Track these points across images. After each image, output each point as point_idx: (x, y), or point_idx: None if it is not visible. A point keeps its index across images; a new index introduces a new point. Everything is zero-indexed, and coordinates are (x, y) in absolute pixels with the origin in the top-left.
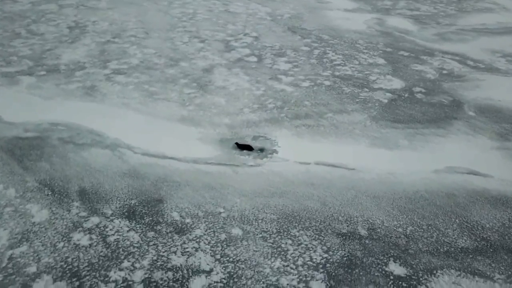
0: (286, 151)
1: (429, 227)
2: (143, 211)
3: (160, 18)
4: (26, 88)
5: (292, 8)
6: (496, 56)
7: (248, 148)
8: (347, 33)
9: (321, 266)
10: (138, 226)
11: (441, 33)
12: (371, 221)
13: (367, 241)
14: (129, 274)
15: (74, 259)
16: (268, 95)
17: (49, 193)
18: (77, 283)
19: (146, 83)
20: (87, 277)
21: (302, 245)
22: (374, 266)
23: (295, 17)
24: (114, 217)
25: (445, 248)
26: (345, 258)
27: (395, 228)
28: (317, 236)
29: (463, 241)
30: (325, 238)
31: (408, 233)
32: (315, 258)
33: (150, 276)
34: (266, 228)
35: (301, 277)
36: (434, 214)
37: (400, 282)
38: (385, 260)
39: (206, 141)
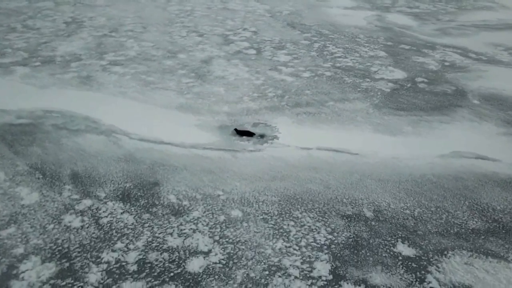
0: (287, 137)
1: (438, 209)
2: (138, 193)
3: (158, 14)
4: (20, 77)
5: (291, 5)
6: (499, 50)
7: (248, 134)
8: (347, 28)
9: (325, 247)
10: (132, 208)
11: (442, 28)
12: (376, 203)
13: (373, 223)
14: (122, 256)
15: (65, 241)
16: (268, 85)
17: (40, 176)
18: (67, 264)
19: (144, 73)
20: (78, 258)
21: (305, 227)
22: (382, 247)
23: (294, 14)
24: (107, 200)
25: (455, 230)
26: (351, 240)
27: (402, 210)
28: (320, 218)
29: (474, 222)
30: (329, 220)
31: (416, 215)
32: (319, 240)
33: (144, 257)
34: (267, 210)
35: (304, 258)
36: (442, 197)
37: (410, 263)
38: (393, 241)
39: (205, 128)
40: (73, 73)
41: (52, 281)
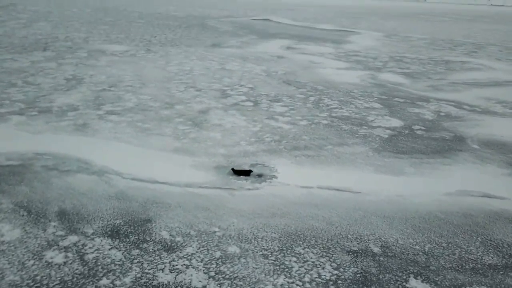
0: (286, 177)
1: (449, 245)
2: (129, 230)
3: (157, 73)
4: (14, 124)
5: (286, 67)
6: (491, 103)
7: (246, 173)
8: (341, 85)
9: (331, 282)
10: (121, 244)
11: (434, 85)
12: (383, 239)
13: (381, 258)
14: None
15: (44, 277)
16: (265, 131)
17: (25, 213)
18: None
19: (140, 121)
20: None
21: (309, 262)
22: (393, 282)
23: (289, 73)
24: (95, 236)
25: (470, 265)
26: (359, 275)
27: (411, 246)
28: (324, 254)
29: (490, 258)
30: (334, 255)
31: (426, 251)
32: (324, 275)
33: None
34: (267, 246)
35: None
36: (453, 233)
37: None
38: (405, 277)
39: (201, 168)
40: (69, 121)
41: None
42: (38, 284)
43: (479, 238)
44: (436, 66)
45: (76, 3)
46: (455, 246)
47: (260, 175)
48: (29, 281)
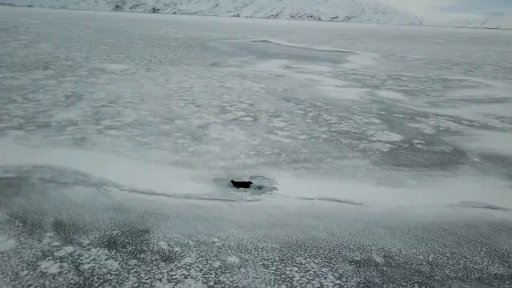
0: (286, 189)
1: (454, 255)
2: (126, 240)
3: (156, 90)
4: (12, 138)
5: (285, 84)
6: (490, 118)
7: (245, 185)
8: (339, 101)
9: None
10: (118, 254)
11: (432, 101)
12: (386, 249)
13: (384, 268)
14: None
15: (38, 287)
16: (264, 145)
17: (20, 224)
18: None
19: (139, 135)
20: None
21: (310, 272)
22: None
23: (288, 90)
24: (91, 247)
25: (476, 275)
26: (362, 285)
27: (415, 256)
28: (326, 264)
29: (496, 268)
30: (336, 265)
31: (430, 261)
32: (327, 285)
33: None
34: (267, 257)
35: None
36: (457, 243)
37: None
38: (409, 286)
39: (200, 181)
40: (68, 135)
41: None
42: None
43: (483, 248)
44: (433, 84)
45: (77, 26)
46: (459, 256)
47: (259, 187)
48: None
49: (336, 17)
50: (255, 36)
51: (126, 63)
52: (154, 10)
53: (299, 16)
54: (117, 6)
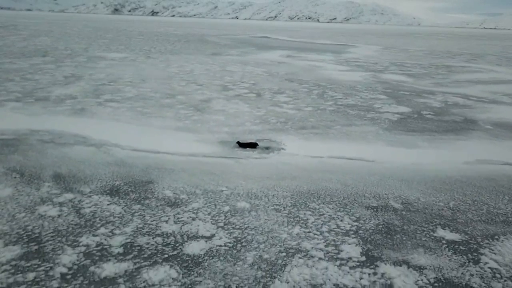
0: (295, 149)
1: (475, 202)
2: (129, 189)
3: (157, 73)
4: (10, 109)
5: (287, 69)
6: (498, 95)
7: (252, 145)
8: (344, 82)
9: (352, 232)
10: (121, 200)
11: (438, 82)
12: (404, 197)
13: (404, 213)
14: (105, 239)
15: (36, 227)
16: (269, 115)
17: (17, 176)
18: (36, 247)
19: (140, 107)
20: (49, 242)
21: (325, 215)
22: (419, 232)
23: (291, 74)
24: (92, 194)
25: (501, 218)
26: (381, 226)
27: (434, 203)
28: (342, 209)
29: None
30: (352, 210)
31: (451, 207)
32: (344, 226)
33: (133, 241)
34: (279, 203)
35: (328, 242)
36: (477, 193)
37: (457, 246)
38: (431, 228)
39: (204, 142)
40: (67, 107)
41: (13, 262)
42: (30, 233)
43: (506, 197)
44: (437, 69)
45: (76, 25)
46: (481, 203)
47: (267, 148)
48: (20, 230)
49: (334, 18)
50: (254, 33)
51: (126, 53)
52: (153, 13)
53: (298, 18)
54: (115, 10)
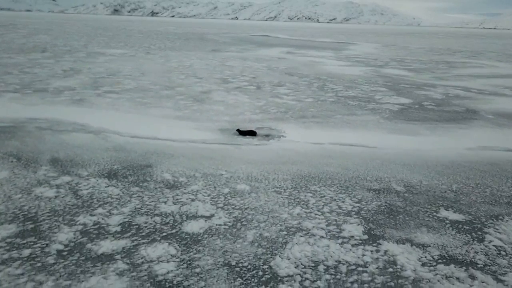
0: (296, 136)
1: (478, 185)
2: (127, 173)
3: (157, 67)
4: (8, 99)
5: (287, 64)
6: (499, 88)
7: (252, 133)
8: (344, 76)
9: (353, 213)
10: (119, 183)
11: (438, 76)
12: (406, 180)
13: (406, 195)
14: (103, 219)
15: (32, 207)
16: (269, 105)
17: (14, 160)
18: (31, 225)
19: (140, 98)
20: (46, 221)
21: (326, 197)
22: (422, 213)
23: (291, 68)
24: (90, 177)
25: (505, 200)
26: (383, 207)
27: (437, 186)
28: (343, 191)
29: None
30: (353, 192)
31: (454, 189)
32: (345, 207)
33: (130, 220)
34: (279, 185)
35: (330, 221)
36: (480, 176)
37: (460, 226)
38: (434, 209)
39: (204, 130)
40: (65, 97)
41: (8, 240)
42: (26, 213)
43: (509, 181)
44: (437, 65)
45: (76, 24)
46: (484, 186)
47: (267, 135)
48: (16, 210)
49: (334, 18)
50: (254, 32)
51: (125, 49)
52: (153, 14)
53: (297, 18)
54: (115, 10)
